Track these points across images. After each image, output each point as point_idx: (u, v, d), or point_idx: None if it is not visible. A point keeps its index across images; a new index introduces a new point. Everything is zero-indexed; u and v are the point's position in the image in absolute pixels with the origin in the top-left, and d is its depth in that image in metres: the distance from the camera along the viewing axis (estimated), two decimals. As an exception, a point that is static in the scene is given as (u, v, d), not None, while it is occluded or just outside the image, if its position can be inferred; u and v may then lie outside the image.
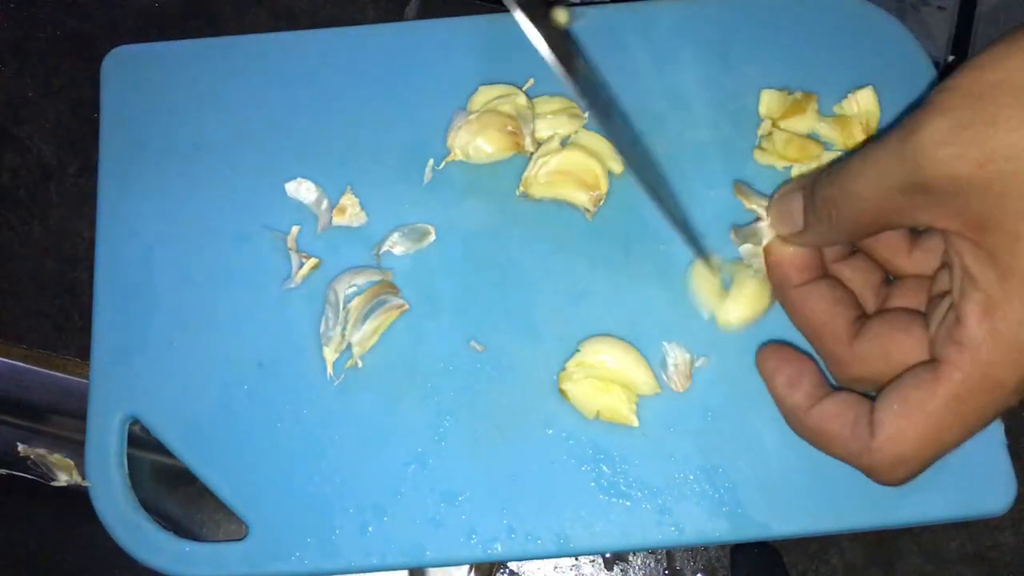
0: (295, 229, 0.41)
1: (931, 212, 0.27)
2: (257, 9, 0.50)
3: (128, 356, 0.40)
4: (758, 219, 0.37)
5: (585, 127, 0.42)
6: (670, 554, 0.44)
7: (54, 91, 0.49)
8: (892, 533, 0.44)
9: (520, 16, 0.35)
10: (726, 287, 0.40)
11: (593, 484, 0.38)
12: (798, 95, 0.42)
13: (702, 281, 0.40)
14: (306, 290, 0.41)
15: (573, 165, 0.41)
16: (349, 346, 0.40)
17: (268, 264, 0.41)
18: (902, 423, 0.29)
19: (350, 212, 0.41)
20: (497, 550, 0.38)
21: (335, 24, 0.47)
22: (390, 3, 0.50)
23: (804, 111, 0.41)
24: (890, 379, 0.30)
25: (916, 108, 0.27)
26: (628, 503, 0.38)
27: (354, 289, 0.40)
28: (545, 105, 0.42)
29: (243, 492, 0.38)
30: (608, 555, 0.43)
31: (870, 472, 0.30)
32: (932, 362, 0.29)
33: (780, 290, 0.35)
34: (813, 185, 0.32)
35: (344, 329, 0.39)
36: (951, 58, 0.47)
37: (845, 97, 0.42)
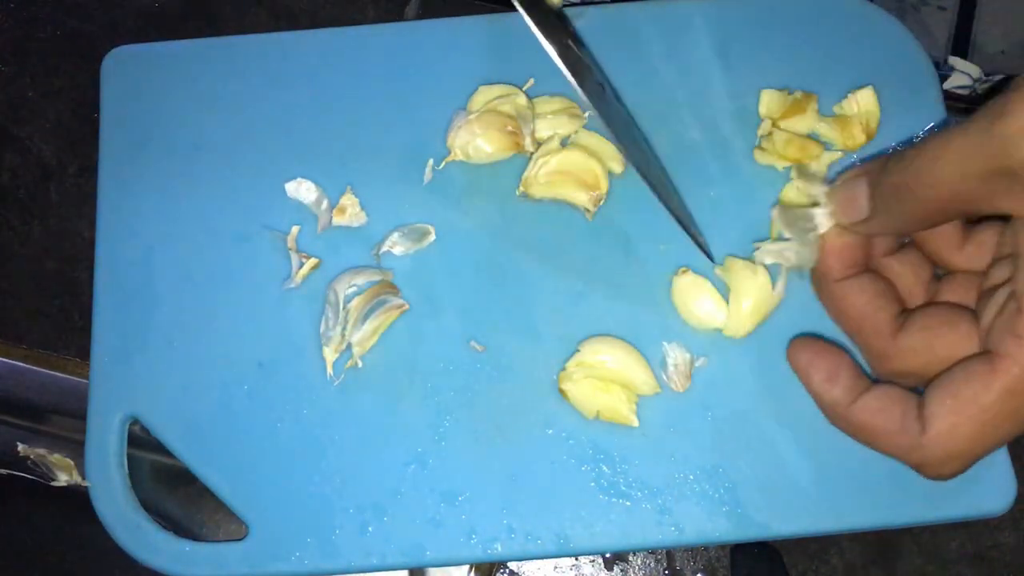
0: (295, 229, 0.41)
1: (1014, 198, 0.27)
2: (257, 9, 0.50)
3: (128, 356, 0.40)
4: (813, 205, 0.34)
5: (585, 127, 0.42)
6: (670, 554, 0.44)
7: (54, 91, 0.49)
8: (892, 533, 0.44)
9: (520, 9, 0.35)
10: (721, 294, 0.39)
11: (593, 484, 0.38)
12: (798, 95, 0.42)
13: (688, 293, 0.39)
14: (306, 290, 0.41)
15: (573, 165, 0.41)
16: (349, 346, 0.40)
17: (268, 264, 0.41)
18: (955, 418, 0.28)
19: (350, 212, 0.41)
20: (497, 550, 0.38)
21: (335, 24, 0.47)
22: (390, 3, 0.50)
23: (804, 111, 0.41)
24: (934, 373, 0.30)
25: (1001, 94, 0.26)
26: (628, 503, 0.38)
27: (354, 289, 0.40)
28: (545, 105, 0.42)
29: (243, 492, 0.38)
30: (608, 555, 0.43)
31: (920, 468, 0.30)
32: (986, 354, 0.28)
33: (822, 282, 0.34)
34: (881, 170, 0.30)
35: (344, 329, 0.39)
36: (951, 58, 0.47)
37: (845, 97, 0.42)
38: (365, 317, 0.39)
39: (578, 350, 0.39)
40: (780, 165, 0.41)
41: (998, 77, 0.46)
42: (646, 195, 0.41)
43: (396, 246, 0.41)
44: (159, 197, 0.42)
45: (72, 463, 0.45)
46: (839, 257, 0.33)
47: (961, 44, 0.48)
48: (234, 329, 0.40)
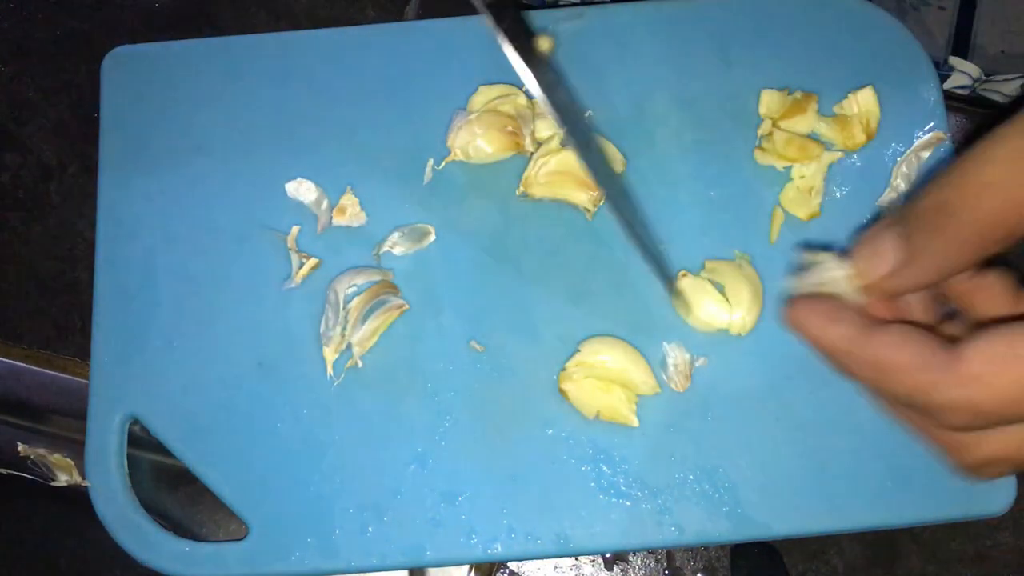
0: (295, 229, 0.41)
1: None
2: (257, 9, 0.50)
3: (128, 356, 0.40)
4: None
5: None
6: (670, 554, 0.44)
7: (54, 91, 0.49)
8: (892, 533, 0.44)
9: (506, 47, 0.34)
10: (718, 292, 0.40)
11: (593, 484, 0.38)
12: (798, 95, 0.42)
13: (690, 297, 0.39)
14: (306, 290, 0.41)
15: (573, 165, 0.41)
16: (349, 346, 0.40)
17: (268, 264, 0.41)
18: (996, 364, 0.24)
19: (350, 212, 0.41)
20: (497, 550, 0.38)
21: (335, 24, 0.47)
22: (390, 3, 0.50)
23: (804, 111, 0.41)
24: None
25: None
26: (628, 503, 0.38)
27: (354, 289, 0.40)
28: (545, 105, 0.42)
29: (243, 492, 0.38)
30: (608, 555, 0.43)
31: (935, 410, 0.25)
32: None
33: (842, 352, 0.27)
34: (909, 214, 0.26)
35: (344, 329, 0.39)
36: (951, 58, 0.47)
37: (845, 97, 0.42)
38: (365, 317, 0.39)
39: (578, 350, 0.39)
40: (780, 165, 0.41)
41: (999, 77, 0.46)
42: (648, 194, 0.41)
43: (396, 246, 0.41)
44: (159, 197, 0.42)
45: (72, 463, 0.45)
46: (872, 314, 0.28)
47: (961, 44, 0.48)
48: (234, 329, 0.40)
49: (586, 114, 0.42)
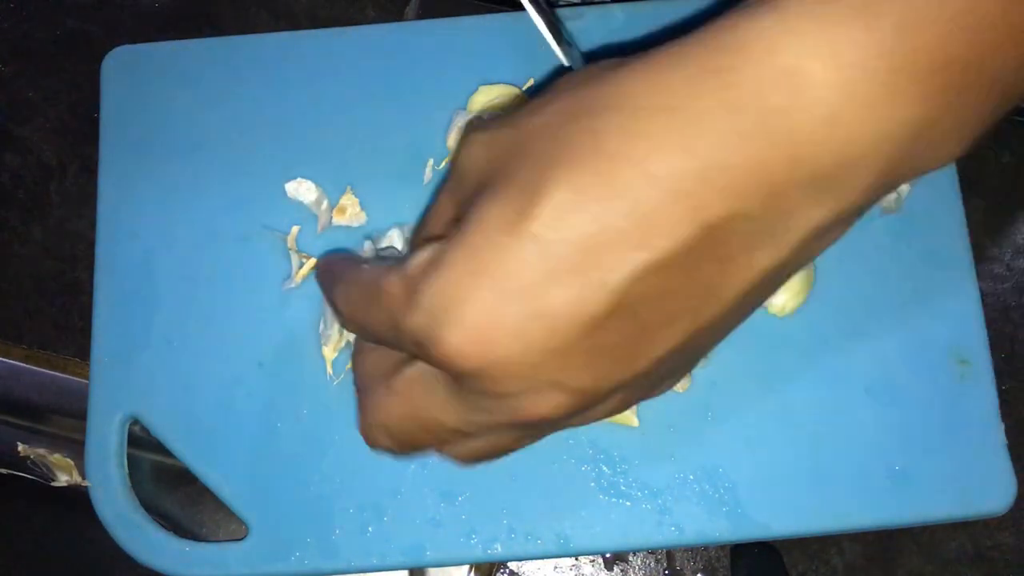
0: (295, 229, 0.41)
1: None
2: (257, 9, 0.50)
3: (128, 356, 0.40)
4: None
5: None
6: (670, 554, 0.44)
7: (54, 91, 0.49)
8: (892, 533, 0.44)
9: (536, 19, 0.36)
10: None
11: (593, 484, 0.38)
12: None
13: None
14: (306, 290, 0.41)
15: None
16: (348, 345, 0.40)
17: (268, 264, 0.41)
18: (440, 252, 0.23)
19: (350, 212, 0.41)
20: (497, 550, 0.38)
21: (335, 24, 0.47)
22: (390, 3, 0.50)
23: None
24: None
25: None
26: (628, 503, 0.38)
27: (354, 289, 0.40)
28: (545, 105, 0.42)
29: (243, 492, 0.38)
30: (608, 555, 0.43)
31: (425, 337, 0.23)
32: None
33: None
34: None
35: (342, 328, 0.39)
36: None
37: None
38: (365, 317, 0.39)
39: (578, 350, 0.39)
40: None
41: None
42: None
43: (395, 241, 0.41)
44: (159, 197, 0.42)
45: (72, 463, 0.45)
46: None
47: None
48: (234, 329, 0.40)
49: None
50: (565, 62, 0.38)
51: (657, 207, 0.21)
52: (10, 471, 0.46)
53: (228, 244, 0.41)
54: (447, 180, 0.27)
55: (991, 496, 0.38)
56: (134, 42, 0.44)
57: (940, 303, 0.40)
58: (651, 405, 0.39)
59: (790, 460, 0.38)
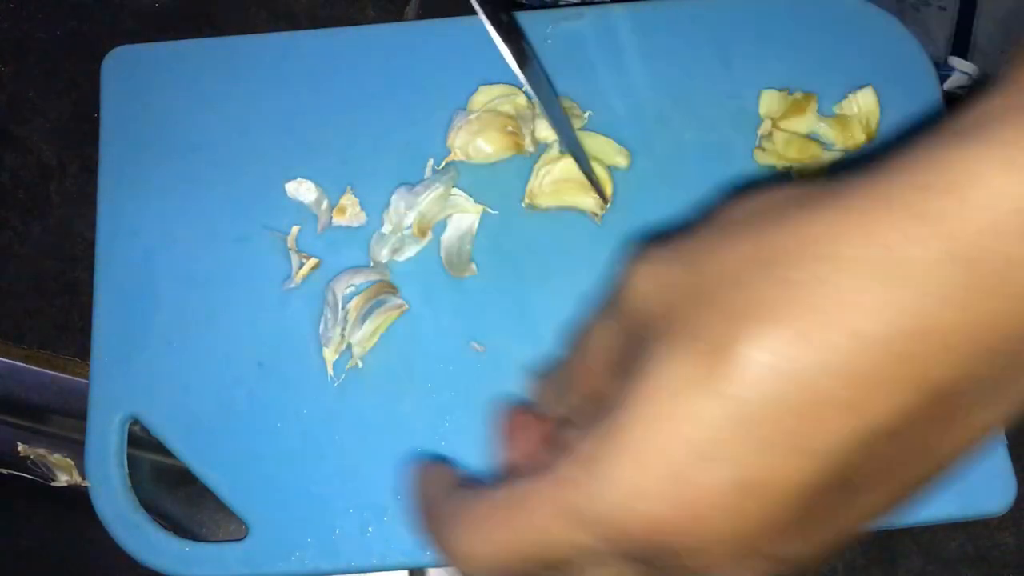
0: (295, 229, 0.41)
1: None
2: (257, 9, 0.50)
3: (128, 356, 0.40)
4: None
5: (584, 128, 0.42)
6: (670, 554, 0.44)
7: (54, 91, 0.49)
8: (892, 533, 0.44)
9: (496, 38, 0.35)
10: None
11: (593, 484, 0.38)
12: (798, 95, 0.42)
13: None
14: (306, 290, 0.41)
15: (576, 172, 0.41)
16: (349, 346, 0.40)
17: (268, 264, 0.41)
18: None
19: (350, 212, 0.41)
20: (497, 550, 0.38)
21: (335, 24, 0.47)
22: (390, 3, 0.50)
23: (804, 111, 0.41)
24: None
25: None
26: (628, 503, 0.38)
27: (352, 289, 0.40)
28: (545, 105, 0.42)
29: (243, 492, 0.38)
30: (608, 555, 0.43)
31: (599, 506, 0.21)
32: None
33: None
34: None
35: (343, 330, 0.39)
36: (951, 58, 0.47)
37: (845, 97, 0.42)
38: (364, 317, 0.39)
39: (578, 350, 0.39)
40: (780, 165, 0.41)
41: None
42: (647, 193, 0.41)
43: (398, 249, 0.41)
44: (159, 197, 0.42)
45: (72, 463, 0.45)
46: None
47: (961, 44, 0.48)
48: (234, 329, 0.40)
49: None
50: (522, 79, 0.38)
51: (871, 370, 0.18)
52: (10, 471, 0.46)
53: (228, 244, 0.41)
54: (605, 306, 0.25)
55: (991, 496, 0.38)
56: (134, 42, 0.44)
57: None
58: (651, 405, 0.39)
59: (790, 460, 0.38)
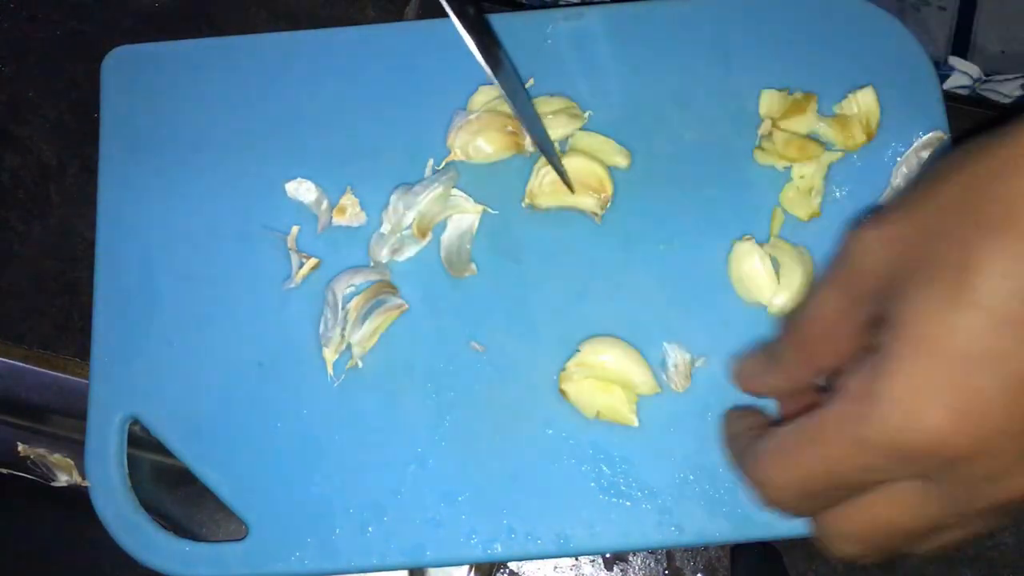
0: (295, 229, 0.41)
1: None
2: (257, 9, 0.50)
3: (128, 356, 0.40)
4: None
5: (584, 128, 0.42)
6: (670, 554, 0.44)
7: (54, 91, 0.49)
8: (892, 533, 0.44)
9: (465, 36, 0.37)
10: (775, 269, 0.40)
11: (593, 484, 0.38)
12: (798, 95, 0.42)
13: (746, 264, 0.40)
14: (306, 290, 0.41)
15: (576, 171, 0.41)
16: (349, 346, 0.40)
17: (268, 264, 0.41)
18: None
19: (350, 212, 0.41)
20: (497, 550, 0.38)
21: (335, 24, 0.47)
22: (390, 3, 0.50)
23: (804, 111, 0.41)
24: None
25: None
26: (628, 503, 0.38)
27: (352, 289, 0.40)
28: (545, 105, 0.42)
29: (243, 492, 0.38)
30: (608, 555, 0.43)
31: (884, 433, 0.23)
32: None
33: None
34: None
35: (343, 330, 0.39)
36: (951, 58, 0.47)
37: (845, 97, 0.42)
38: (364, 317, 0.39)
39: (578, 350, 0.39)
40: (780, 165, 0.41)
41: (999, 77, 0.46)
42: (647, 194, 0.41)
43: (397, 250, 0.41)
44: (159, 197, 0.42)
45: (72, 463, 0.45)
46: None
47: (961, 44, 0.48)
48: (234, 329, 0.40)
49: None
50: (489, 74, 0.38)
51: None
52: (10, 471, 0.46)
53: (228, 244, 0.41)
54: (834, 276, 0.27)
55: (991, 496, 0.38)
56: (134, 42, 0.44)
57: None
58: (651, 405, 0.39)
59: (790, 460, 0.38)
